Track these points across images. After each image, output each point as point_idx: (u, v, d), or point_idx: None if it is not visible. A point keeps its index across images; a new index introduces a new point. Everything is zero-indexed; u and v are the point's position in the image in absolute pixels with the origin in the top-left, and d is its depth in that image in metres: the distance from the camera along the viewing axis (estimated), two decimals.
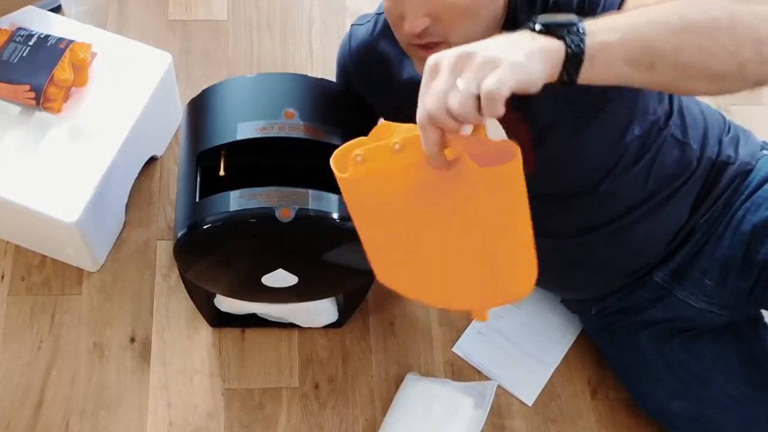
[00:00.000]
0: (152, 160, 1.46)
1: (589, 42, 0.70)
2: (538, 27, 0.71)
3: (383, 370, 1.32)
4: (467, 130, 0.69)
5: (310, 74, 1.13)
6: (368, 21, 1.14)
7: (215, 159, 1.05)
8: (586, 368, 1.35)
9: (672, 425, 1.24)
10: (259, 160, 1.05)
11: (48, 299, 1.33)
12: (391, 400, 1.28)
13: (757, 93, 1.67)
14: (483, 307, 0.81)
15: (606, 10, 0.86)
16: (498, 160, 0.68)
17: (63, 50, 1.26)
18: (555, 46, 0.69)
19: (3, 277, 1.34)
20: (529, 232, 0.73)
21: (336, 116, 1.07)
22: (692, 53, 0.72)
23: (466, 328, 1.36)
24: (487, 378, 1.32)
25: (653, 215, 1.08)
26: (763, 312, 1.22)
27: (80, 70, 1.28)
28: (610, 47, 0.71)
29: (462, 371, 1.33)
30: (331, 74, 1.24)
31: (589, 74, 0.71)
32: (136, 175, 1.40)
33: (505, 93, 0.64)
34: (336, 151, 0.74)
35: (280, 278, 1.10)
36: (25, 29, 1.29)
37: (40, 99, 1.24)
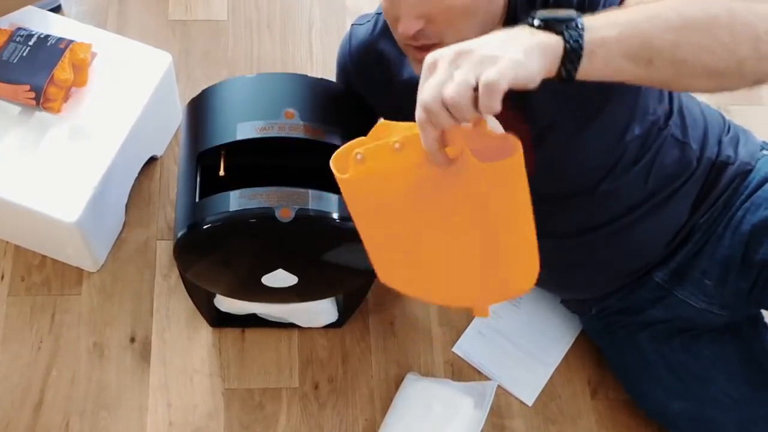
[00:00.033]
0: (152, 160, 1.46)
1: (588, 37, 0.70)
2: (536, 22, 0.71)
3: (383, 370, 1.32)
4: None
5: (310, 74, 1.13)
6: (368, 21, 1.14)
7: (215, 159, 1.05)
8: (586, 368, 1.35)
9: (672, 425, 1.24)
10: (259, 160, 1.05)
11: (48, 299, 1.33)
12: (391, 400, 1.28)
13: (757, 93, 1.67)
14: (486, 303, 0.80)
15: (606, 6, 0.86)
16: (499, 155, 0.68)
17: (63, 50, 1.26)
18: (553, 42, 0.69)
19: (3, 277, 1.34)
20: (531, 226, 0.73)
21: (336, 116, 1.07)
22: (691, 50, 0.72)
23: (466, 328, 1.36)
24: (487, 378, 1.32)
25: (653, 215, 1.08)
26: (763, 312, 1.22)
27: (80, 70, 1.28)
28: (608, 43, 0.71)
29: (462, 371, 1.33)
30: (331, 74, 1.24)
31: (587, 70, 0.71)
32: (136, 175, 1.40)
33: (504, 86, 0.64)
34: (336, 152, 0.74)
35: (280, 278, 1.10)
36: (25, 29, 1.29)
37: (40, 99, 1.24)
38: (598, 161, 1.04)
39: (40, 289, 1.34)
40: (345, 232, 0.97)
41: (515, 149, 0.68)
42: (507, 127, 0.94)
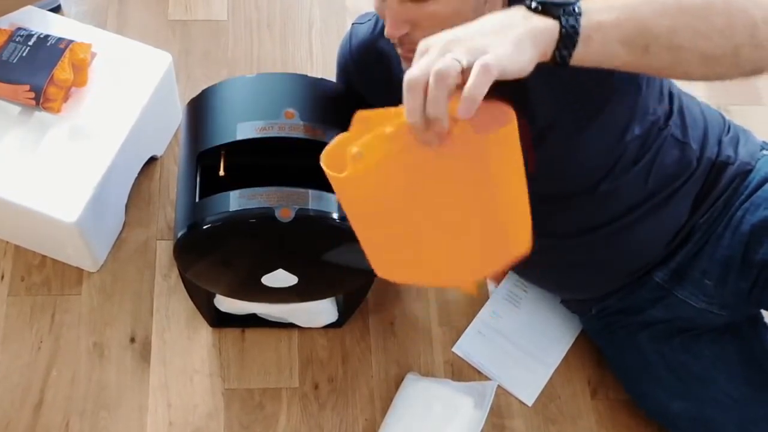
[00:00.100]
0: (152, 160, 1.46)
1: (585, 22, 0.69)
2: (534, 4, 0.70)
3: (383, 370, 1.32)
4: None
5: (310, 74, 1.13)
6: (369, 20, 1.14)
7: (215, 159, 1.05)
8: (586, 368, 1.35)
9: (672, 425, 1.24)
10: (259, 160, 1.05)
11: (48, 299, 1.33)
12: (391, 400, 1.28)
13: (757, 93, 1.67)
14: (487, 274, 0.79)
15: None
16: (493, 125, 0.67)
17: (63, 50, 1.26)
18: (549, 26, 0.69)
19: (3, 277, 1.34)
20: (524, 190, 0.73)
21: (336, 116, 1.07)
22: (687, 35, 0.72)
23: (466, 328, 1.36)
24: (487, 378, 1.32)
25: (653, 215, 1.08)
26: (763, 312, 1.22)
27: (80, 70, 1.28)
28: (605, 27, 0.70)
29: (462, 371, 1.33)
30: (331, 74, 1.24)
31: (583, 55, 0.70)
32: (136, 175, 1.40)
33: (494, 73, 0.63)
34: (324, 152, 0.72)
35: (280, 278, 1.10)
36: (24, 29, 1.29)
37: (39, 99, 1.24)
38: (598, 161, 1.04)
39: (40, 289, 1.34)
40: (345, 232, 0.97)
41: (509, 118, 0.67)
42: None
